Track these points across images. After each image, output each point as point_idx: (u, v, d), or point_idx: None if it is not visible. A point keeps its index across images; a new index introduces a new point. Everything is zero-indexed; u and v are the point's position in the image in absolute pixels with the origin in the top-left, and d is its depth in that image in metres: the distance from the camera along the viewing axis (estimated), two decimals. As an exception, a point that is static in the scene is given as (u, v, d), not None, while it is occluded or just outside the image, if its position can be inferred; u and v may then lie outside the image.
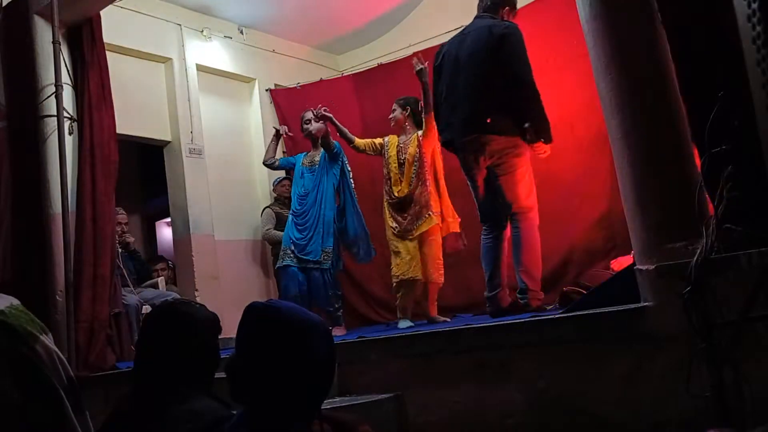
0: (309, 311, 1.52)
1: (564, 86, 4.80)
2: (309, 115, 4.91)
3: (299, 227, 4.80)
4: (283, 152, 6.32)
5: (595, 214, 4.69)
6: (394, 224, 4.49)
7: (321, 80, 6.23)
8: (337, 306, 4.78)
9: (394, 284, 4.48)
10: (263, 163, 5.14)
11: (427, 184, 4.45)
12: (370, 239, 4.89)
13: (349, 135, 4.72)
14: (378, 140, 4.70)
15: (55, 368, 1.55)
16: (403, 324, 4.38)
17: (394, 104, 4.64)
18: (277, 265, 4.84)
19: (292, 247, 4.75)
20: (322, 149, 4.88)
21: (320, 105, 4.73)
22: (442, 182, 4.55)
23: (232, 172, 6.15)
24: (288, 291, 4.72)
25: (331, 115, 4.70)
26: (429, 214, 4.41)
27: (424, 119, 4.45)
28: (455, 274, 4.67)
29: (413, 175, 4.47)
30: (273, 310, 1.45)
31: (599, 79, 2.44)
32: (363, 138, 4.80)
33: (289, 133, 5.37)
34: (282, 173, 5.99)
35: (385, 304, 5.63)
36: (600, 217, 4.65)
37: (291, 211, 4.94)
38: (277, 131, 5.24)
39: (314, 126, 4.86)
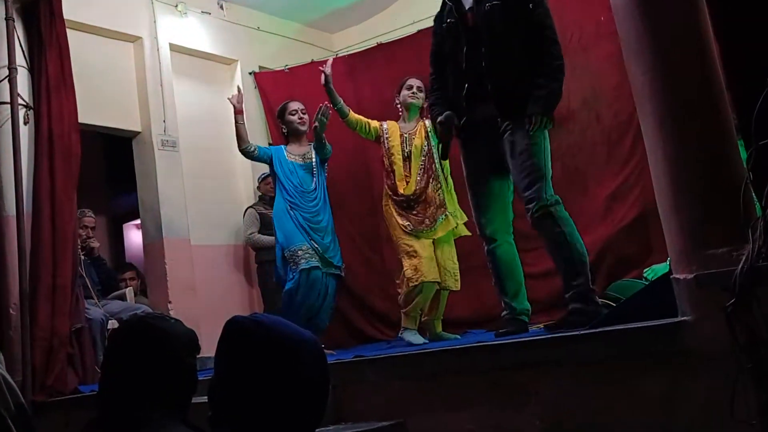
0: (298, 326, 1.52)
1: (589, 69, 4.82)
2: (300, 105, 4.91)
3: (314, 226, 4.75)
4: (269, 144, 6.32)
5: (627, 216, 4.70)
6: (405, 222, 4.45)
7: (312, 62, 6.22)
8: (324, 324, 4.84)
9: (408, 290, 4.39)
10: (241, 150, 4.96)
11: (439, 179, 4.46)
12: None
13: (345, 107, 4.62)
14: (374, 123, 4.66)
15: (1, 394, 1.54)
16: (413, 337, 4.33)
17: (419, 81, 4.53)
18: (303, 266, 4.63)
19: (316, 246, 4.69)
20: (312, 145, 4.88)
21: (326, 63, 4.60)
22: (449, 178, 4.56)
23: (210, 167, 6.15)
24: (307, 298, 4.64)
25: (330, 80, 4.56)
26: (446, 215, 4.42)
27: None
28: (465, 284, 4.68)
29: (420, 170, 4.48)
30: (257, 324, 1.45)
31: (630, 61, 2.44)
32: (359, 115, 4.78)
33: (238, 104, 4.96)
34: (267, 169, 6.00)
35: (385, 319, 5.63)
36: (632, 219, 4.67)
37: (288, 203, 4.77)
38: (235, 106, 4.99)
39: (307, 126, 4.86)
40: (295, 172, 4.86)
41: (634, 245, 4.63)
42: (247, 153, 4.95)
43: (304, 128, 4.92)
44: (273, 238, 5.42)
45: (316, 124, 4.68)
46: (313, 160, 4.87)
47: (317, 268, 4.66)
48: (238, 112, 4.92)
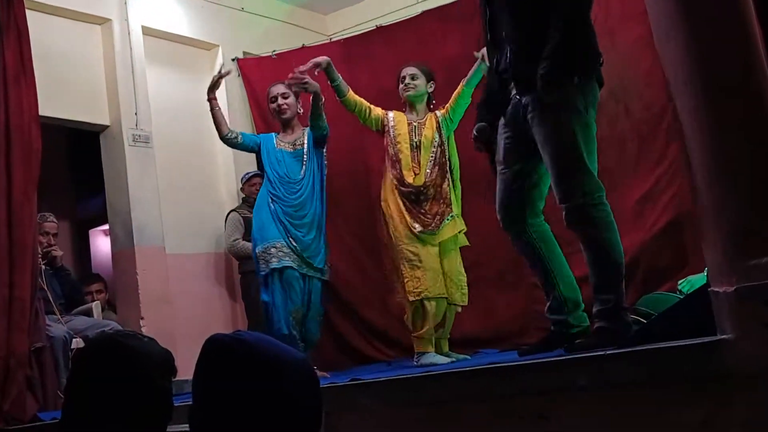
0: (287, 345, 1.53)
1: (615, 54, 4.81)
2: (280, 89, 4.89)
3: (295, 221, 4.75)
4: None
5: (659, 221, 4.72)
6: (415, 223, 4.42)
7: (303, 47, 6.24)
8: (316, 337, 4.84)
9: (411, 306, 4.38)
10: (222, 137, 4.96)
11: (448, 177, 4.47)
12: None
13: (344, 84, 4.63)
14: (376, 110, 4.67)
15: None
16: (435, 358, 4.30)
17: (415, 69, 4.58)
18: (272, 265, 4.64)
19: (294, 243, 4.67)
20: (306, 130, 4.88)
21: (296, 68, 4.61)
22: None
23: (189, 165, 6.17)
24: (287, 303, 4.63)
25: (325, 59, 4.56)
26: (453, 216, 4.44)
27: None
28: (474, 298, 4.69)
29: (431, 163, 4.49)
30: (240, 343, 1.45)
31: (662, 44, 2.45)
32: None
33: (224, 73, 5.04)
34: (254, 167, 6.01)
35: (385, 336, 5.64)
36: (665, 224, 4.68)
37: (270, 197, 4.79)
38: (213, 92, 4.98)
39: (291, 100, 4.84)
40: (282, 161, 4.87)
41: (667, 254, 4.65)
42: (228, 141, 4.95)
43: (286, 116, 4.91)
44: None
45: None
46: (305, 146, 4.87)
47: (292, 268, 4.63)
48: (211, 98, 4.93)
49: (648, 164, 4.81)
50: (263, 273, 4.69)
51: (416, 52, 5.25)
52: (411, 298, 4.36)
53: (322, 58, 4.59)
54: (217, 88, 5.00)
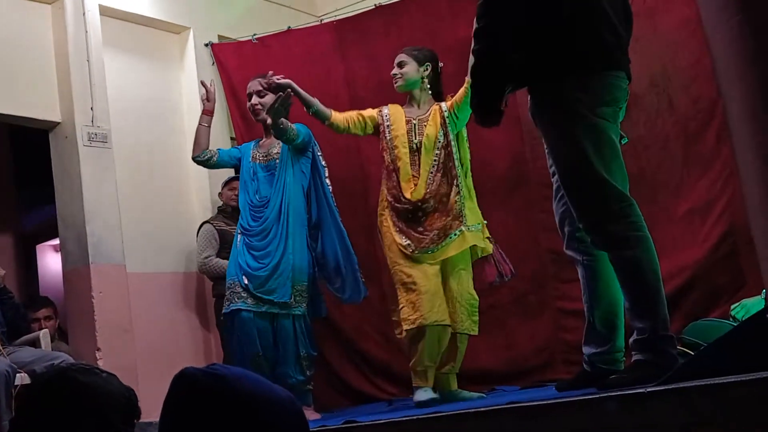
0: (270, 381, 1.53)
1: (657, 40, 4.84)
2: (256, 85, 4.92)
3: (255, 252, 4.82)
4: (232, 139, 6.33)
5: (710, 236, 4.71)
6: (405, 240, 4.44)
7: (289, 29, 6.27)
8: (307, 375, 4.80)
9: (406, 335, 4.39)
10: (193, 158, 5.08)
11: (458, 183, 4.44)
12: (359, 269, 4.91)
13: (322, 109, 4.60)
14: (369, 112, 4.67)
15: None
16: (423, 395, 4.32)
17: (402, 55, 4.60)
18: (224, 310, 4.82)
19: (245, 281, 4.75)
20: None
21: (270, 72, 4.63)
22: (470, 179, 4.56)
23: (154, 169, 6.18)
24: (243, 350, 4.72)
25: (288, 80, 4.60)
26: (462, 230, 4.39)
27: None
28: (491, 326, 4.68)
29: (433, 169, 4.47)
30: (216, 379, 1.45)
31: (712, 26, 2.45)
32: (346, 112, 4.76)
33: (209, 89, 5.10)
34: (231, 171, 6.02)
35: (385, 372, 5.63)
36: (717, 239, 4.67)
37: (240, 229, 4.94)
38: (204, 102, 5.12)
39: (268, 99, 4.85)
40: (255, 179, 4.92)
41: (720, 273, 4.64)
42: (202, 162, 5.05)
43: (259, 118, 4.95)
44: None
45: (268, 115, 4.70)
46: (278, 157, 4.89)
47: (242, 310, 4.72)
48: (206, 111, 5.04)
49: (696, 168, 4.80)
50: (223, 315, 4.86)
51: (421, 34, 5.25)
52: (405, 327, 4.36)
53: (285, 81, 4.56)
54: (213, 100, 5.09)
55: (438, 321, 4.32)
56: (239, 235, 4.91)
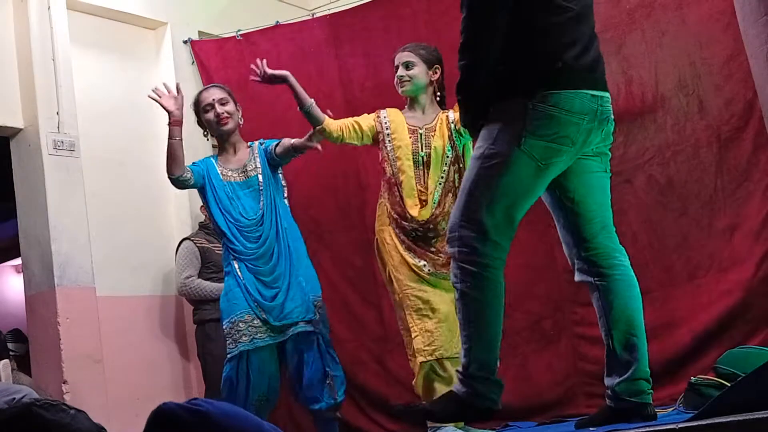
0: (256, 416, 1.53)
1: (686, 35, 4.85)
2: (215, 93, 4.90)
3: (265, 277, 4.79)
4: (214, 147, 6.33)
5: (751, 255, 4.69)
6: (419, 261, 4.42)
7: (277, 25, 6.28)
8: (337, 399, 4.78)
9: (422, 368, 4.36)
10: (171, 179, 4.89)
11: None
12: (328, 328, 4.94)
13: (317, 111, 4.56)
14: (366, 120, 4.63)
15: None
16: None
17: (409, 54, 4.54)
18: (243, 347, 4.71)
19: (263, 315, 4.71)
20: (254, 146, 4.92)
21: (264, 60, 4.61)
22: None
23: (127, 180, 6.18)
24: (254, 392, 4.72)
25: (285, 72, 4.57)
26: None
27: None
28: (503, 354, 4.63)
29: (440, 187, 4.46)
30: (199, 416, 1.45)
31: (747, 22, 2.47)
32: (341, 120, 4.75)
33: (176, 109, 4.85)
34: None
35: (384, 405, 5.62)
36: (759, 259, 4.66)
37: (232, 254, 4.86)
38: (170, 112, 4.85)
39: (231, 107, 4.87)
40: (235, 199, 4.88)
41: (760, 296, 4.63)
42: (179, 182, 4.90)
43: (227, 127, 4.90)
44: (220, 285, 5.46)
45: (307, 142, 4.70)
46: (259, 170, 4.88)
47: (264, 348, 4.72)
48: (174, 122, 4.80)
49: (731, 178, 4.79)
50: (231, 354, 4.74)
51: (424, 30, 5.27)
52: (421, 359, 4.33)
53: (281, 72, 4.58)
54: (180, 107, 4.86)
55: (458, 353, 4.32)
56: (235, 262, 4.83)
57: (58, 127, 5.70)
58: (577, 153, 3.16)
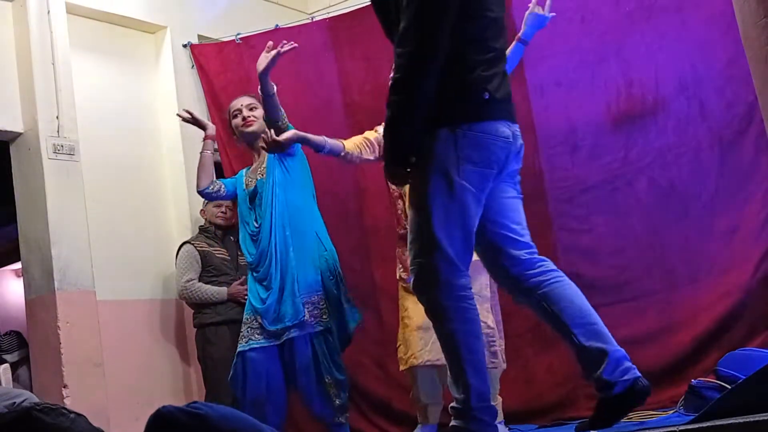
0: (255, 420, 1.53)
1: (686, 36, 4.85)
2: (245, 100, 4.98)
3: (262, 282, 4.87)
4: (214, 150, 6.34)
5: (750, 257, 4.69)
6: (400, 268, 4.55)
7: (277, 28, 6.28)
8: (337, 405, 4.76)
9: (411, 369, 4.45)
10: (200, 192, 5.19)
11: None
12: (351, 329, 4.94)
13: (333, 144, 4.45)
14: (375, 136, 4.60)
15: None
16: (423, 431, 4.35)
17: None
18: (240, 348, 4.84)
19: (259, 318, 4.79)
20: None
21: (284, 43, 4.62)
22: None
23: (127, 184, 6.18)
24: (252, 394, 4.76)
25: (293, 132, 4.47)
26: None
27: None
28: (506, 357, 4.67)
29: None
30: (198, 419, 1.44)
31: (747, 24, 2.46)
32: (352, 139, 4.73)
33: (186, 115, 5.22)
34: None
35: (386, 409, 5.62)
36: (759, 260, 4.66)
37: (249, 266, 4.99)
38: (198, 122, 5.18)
39: (260, 113, 4.90)
40: (252, 208, 4.98)
41: (759, 298, 4.63)
42: (207, 195, 5.17)
43: (251, 129, 4.96)
44: (221, 289, 5.46)
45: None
46: (264, 173, 4.93)
47: (257, 349, 4.76)
48: (208, 136, 5.11)
49: (733, 180, 4.79)
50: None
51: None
52: (401, 367, 4.47)
53: (288, 135, 4.46)
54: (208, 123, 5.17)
55: (430, 361, 4.33)
56: (251, 272, 4.98)
57: (58, 131, 5.68)
58: (497, 177, 3.24)
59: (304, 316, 4.71)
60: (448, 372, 3.21)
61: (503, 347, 4.56)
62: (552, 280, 3.31)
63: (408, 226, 3.29)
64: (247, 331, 4.82)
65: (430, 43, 3.09)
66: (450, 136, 3.12)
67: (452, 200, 3.14)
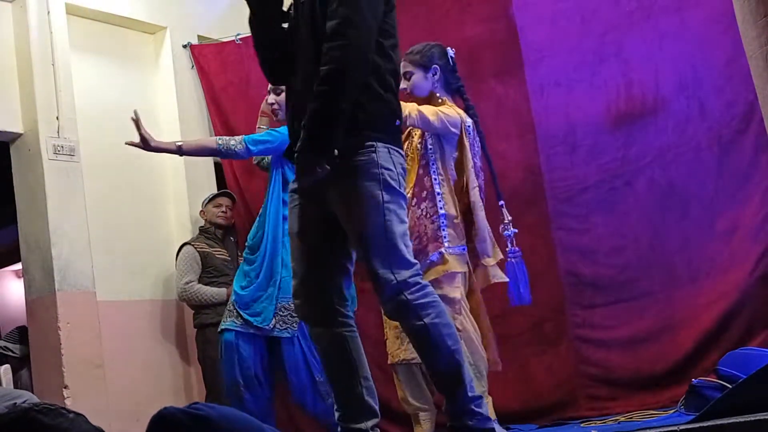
0: (258, 421, 1.53)
1: (685, 36, 4.85)
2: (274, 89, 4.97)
3: (247, 266, 4.97)
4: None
5: (750, 256, 4.69)
6: None
7: (277, 28, 6.28)
8: (329, 402, 4.71)
9: (400, 368, 4.46)
10: (256, 163, 5.32)
11: (439, 198, 4.30)
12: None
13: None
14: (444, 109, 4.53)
15: None
16: None
17: (404, 64, 4.39)
18: (221, 326, 4.93)
19: (236, 301, 4.88)
20: None
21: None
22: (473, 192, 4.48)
23: (127, 185, 6.18)
24: (228, 378, 4.83)
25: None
26: (442, 253, 4.23)
27: None
28: (503, 357, 4.65)
29: (416, 185, 4.35)
30: (199, 421, 1.45)
31: (746, 24, 2.47)
32: None
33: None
34: (213, 187, 6.03)
35: (386, 410, 5.59)
36: (757, 259, 4.65)
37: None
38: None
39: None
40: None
41: (758, 297, 4.63)
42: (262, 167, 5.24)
43: (277, 118, 4.98)
44: (221, 290, 5.46)
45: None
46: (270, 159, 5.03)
47: (229, 330, 4.83)
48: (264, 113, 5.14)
49: (732, 181, 4.79)
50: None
51: (423, 33, 5.24)
52: (389, 360, 4.49)
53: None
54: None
55: (406, 359, 4.32)
56: (246, 250, 5.04)
57: (58, 132, 5.68)
58: None
59: (271, 323, 4.75)
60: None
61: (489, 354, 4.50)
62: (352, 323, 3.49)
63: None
64: (227, 312, 4.93)
65: (367, 37, 3.10)
66: (376, 148, 3.12)
67: (397, 213, 3.17)
